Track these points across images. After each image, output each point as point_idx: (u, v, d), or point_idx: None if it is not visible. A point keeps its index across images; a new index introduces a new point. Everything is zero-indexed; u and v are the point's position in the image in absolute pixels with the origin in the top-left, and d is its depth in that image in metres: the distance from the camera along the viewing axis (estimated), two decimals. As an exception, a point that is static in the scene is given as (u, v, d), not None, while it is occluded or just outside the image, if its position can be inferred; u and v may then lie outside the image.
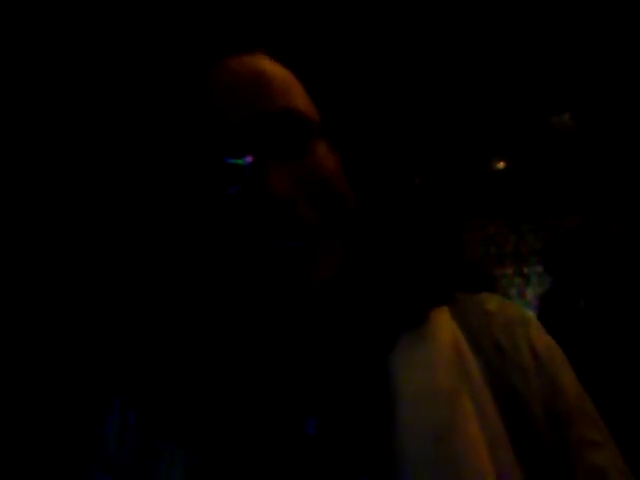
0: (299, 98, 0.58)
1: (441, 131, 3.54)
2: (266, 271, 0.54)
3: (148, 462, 0.57)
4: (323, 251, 0.55)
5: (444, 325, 0.59)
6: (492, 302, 0.63)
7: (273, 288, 0.54)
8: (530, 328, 0.61)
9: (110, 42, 1.79)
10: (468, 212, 4.44)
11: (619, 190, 3.81)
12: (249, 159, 0.54)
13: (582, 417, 0.58)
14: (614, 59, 3.14)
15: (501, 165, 4.49)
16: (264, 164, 0.54)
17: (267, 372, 0.58)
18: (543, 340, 0.61)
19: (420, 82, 2.93)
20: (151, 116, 0.63)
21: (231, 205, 0.55)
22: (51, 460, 1.60)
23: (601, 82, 3.40)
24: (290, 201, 0.54)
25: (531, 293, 4.63)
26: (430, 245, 0.65)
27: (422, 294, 0.60)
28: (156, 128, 0.62)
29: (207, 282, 0.59)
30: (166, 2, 1.67)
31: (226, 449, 0.55)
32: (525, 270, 4.70)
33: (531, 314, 0.64)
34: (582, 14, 2.81)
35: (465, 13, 2.74)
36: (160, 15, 1.68)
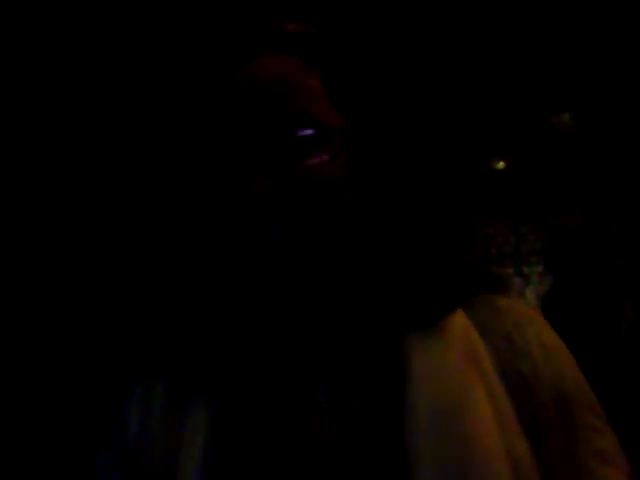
0: (312, 100, 0.59)
1: (441, 131, 3.54)
2: (250, 255, 0.57)
3: (172, 435, 0.59)
4: (302, 244, 0.57)
5: (455, 315, 0.61)
6: (501, 299, 0.65)
7: (260, 273, 0.57)
8: (538, 325, 0.64)
9: (134, 43, 1.82)
10: (468, 212, 4.44)
11: (619, 190, 3.82)
12: (247, 157, 0.57)
13: (586, 405, 0.61)
14: (614, 59, 3.15)
15: (501, 165, 4.50)
16: (255, 162, 0.57)
17: (281, 347, 0.61)
18: (550, 336, 0.64)
19: (420, 82, 2.93)
20: (163, 116, 0.65)
21: (226, 198, 0.58)
22: (66, 453, 1.61)
23: (601, 82, 3.41)
24: (273, 196, 0.56)
25: (531, 293, 4.64)
26: (443, 244, 0.66)
27: (438, 297, 0.62)
28: (167, 128, 0.65)
29: (218, 261, 0.61)
30: (194, 5, 1.69)
31: (246, 403, 0.59)
32: (525, 270, 4.71)
33: (538, 313, 0.67)
34: (582, 14, 2.82)
35: (465, 14, 2.75)
36: (185, 19, 1.70)
